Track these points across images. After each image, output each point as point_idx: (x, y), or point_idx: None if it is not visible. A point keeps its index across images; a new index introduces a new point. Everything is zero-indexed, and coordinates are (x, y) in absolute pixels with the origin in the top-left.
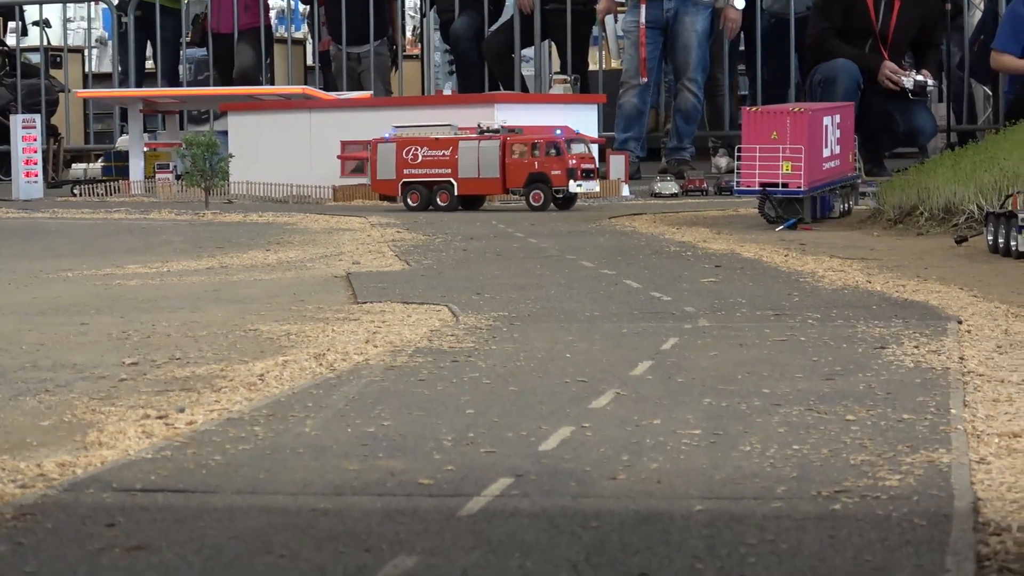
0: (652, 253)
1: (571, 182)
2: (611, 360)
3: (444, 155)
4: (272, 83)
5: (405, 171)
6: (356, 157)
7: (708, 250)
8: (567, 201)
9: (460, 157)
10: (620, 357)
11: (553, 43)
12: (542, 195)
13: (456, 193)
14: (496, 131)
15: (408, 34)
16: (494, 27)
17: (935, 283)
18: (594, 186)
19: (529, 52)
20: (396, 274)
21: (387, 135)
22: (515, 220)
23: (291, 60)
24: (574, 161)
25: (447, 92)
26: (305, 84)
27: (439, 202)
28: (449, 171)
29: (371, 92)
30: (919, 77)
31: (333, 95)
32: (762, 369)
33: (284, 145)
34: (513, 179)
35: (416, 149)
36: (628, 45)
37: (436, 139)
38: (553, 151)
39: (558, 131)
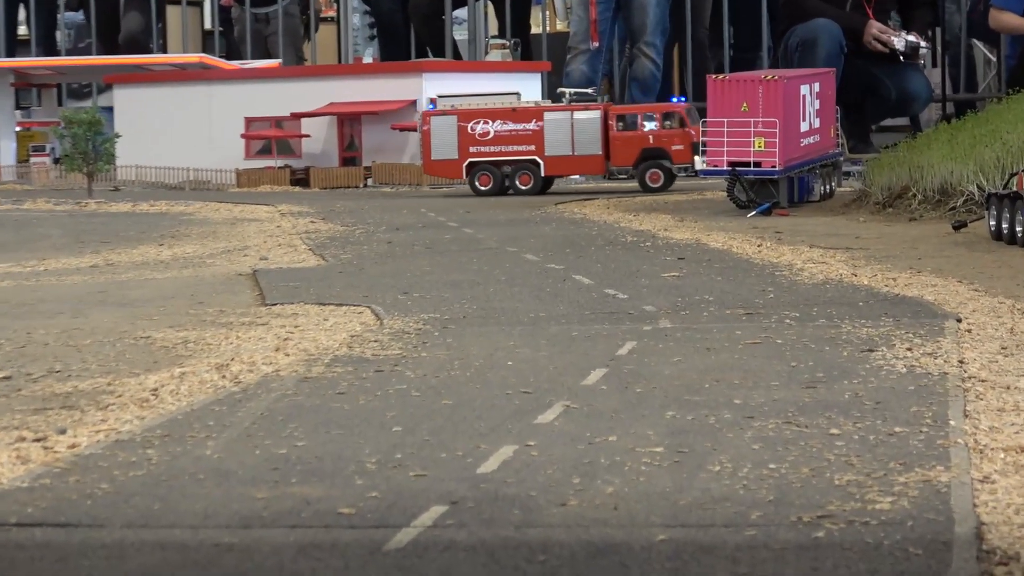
0: (605, 244)
1: (696, 158)
2: (559, 368)
3: (526, 129)
4: (164, 51)
5: (472, 149)
6: (263, 136)
7: (670, 240)
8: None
9: (547, 131)
10: (570, 364)
11: (490, 2)
12: (661, 174)
13: (543, 174)
14: (587, 96)
15: None
16: None
17: (930, 275)
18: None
19: (462, 13)
20: (310, 271)
21: (432, 107)
22: (447, 207)
23: (187, 23)
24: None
25: (368, 60)
26: (203, 52)
27: (519, 185)
28: (533, 148)
29: (280, 60)
30: (911, 37)
31: (236, 64)
32: (733, 376)
33: (179, 123)
34: (620, 156)
35: (487, 123)
36: (576, 5)
37: (515, 110)
38: (670, 121)
39: (678, 98)
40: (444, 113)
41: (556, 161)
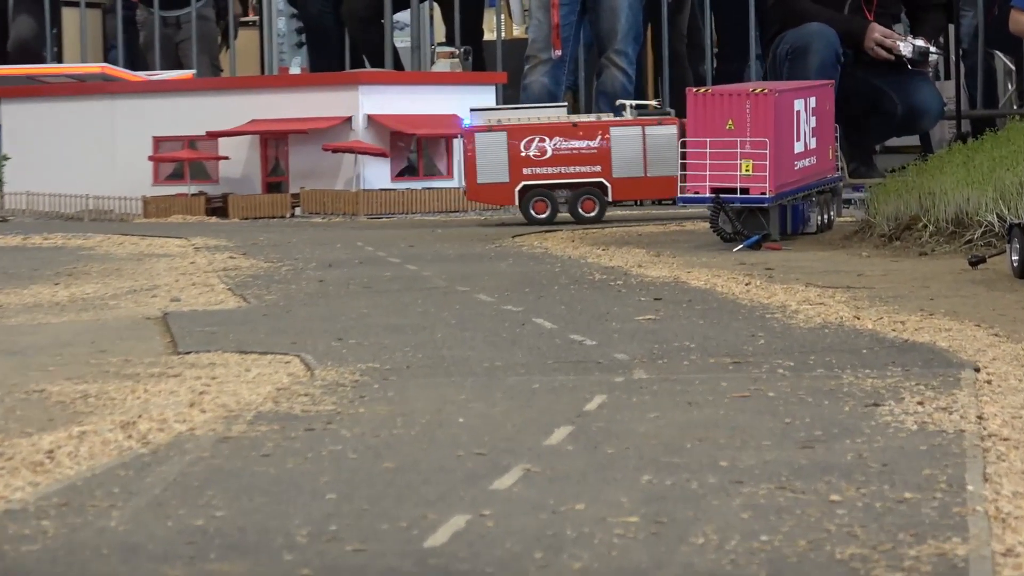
0: (570, 283)
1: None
2: (518, 425)
3: (590, 147)
4: (60, 60)
5: (526, 170)
6: (174, 158)
7: (644, 278)
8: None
9: (615, 149)
10: (530, 421)
11: (436, 5)
12: None
13: (610, 198)
14: (658, 111)
15: None
16: None
17: (944, 318)
18: None
19: (404, 17)
20: (229, 314)
21: (469, 122)
22: (387, 240)
23: (86, 28)
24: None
25: (295, 70)
26: (105, 61)
27: (582, 211)
28: (599, 168)
29: (193, 71)
30: (919, 42)
31: (143, 75)
32: (718, 435)
33: (77, 143)
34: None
35: (542, 140)
36: (535, 8)
37: (576, 124)
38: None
39: None
40: (492, 129)
41: (626, 184)
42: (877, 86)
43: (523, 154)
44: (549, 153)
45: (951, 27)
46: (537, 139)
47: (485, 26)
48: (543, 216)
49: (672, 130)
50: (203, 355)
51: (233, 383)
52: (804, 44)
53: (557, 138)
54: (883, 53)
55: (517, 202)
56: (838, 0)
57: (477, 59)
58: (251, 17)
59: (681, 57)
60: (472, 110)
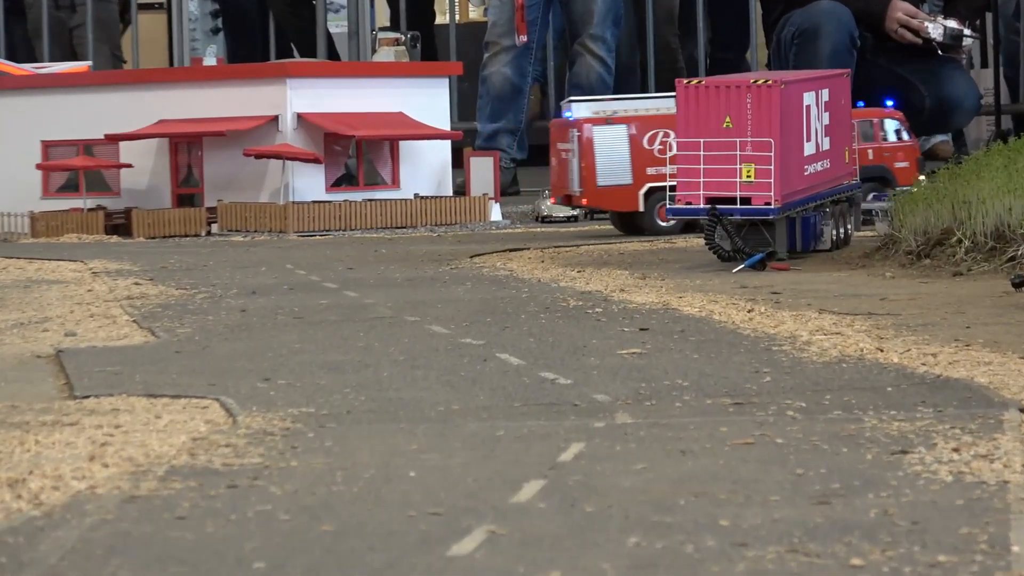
0: (540, 311)
1: (920, 177)
2: (480, 480)
3: None
4: None
5: (651, 171)
6: (67, 166)
7: (628, 304)
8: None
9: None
10: (495, 475)
11: None
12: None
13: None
14: None
15: None
16: None
17: (982, 350)
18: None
19: None
20: (136, 351)
21: (568, 114)
22: (322, 261)
23: None
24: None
25: (210, 61)
26: None
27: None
28: None
29: (90, 63)
30: (951, 23)
31: (29, 68)
32: (718, 489)
33: None
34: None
35: (667, 135)
36: None
37: None
38: (892, 134)
39: (892, 102)
40: (611, 122)
41: None
42: (901, 75)
43: (647, 151)
44: (676, 150)
45: (989, 7)
46: (662, 133)
47: (436, 7)
48: (669, 224)
49: None
50: (104, 400)
51: (141, 432)
52: (813, 26)
53: None
54: (908, 36)
55: (642, 207)
56: None
57: (427, 46)
58: None
59: (672, 50)
60: (571, 101)
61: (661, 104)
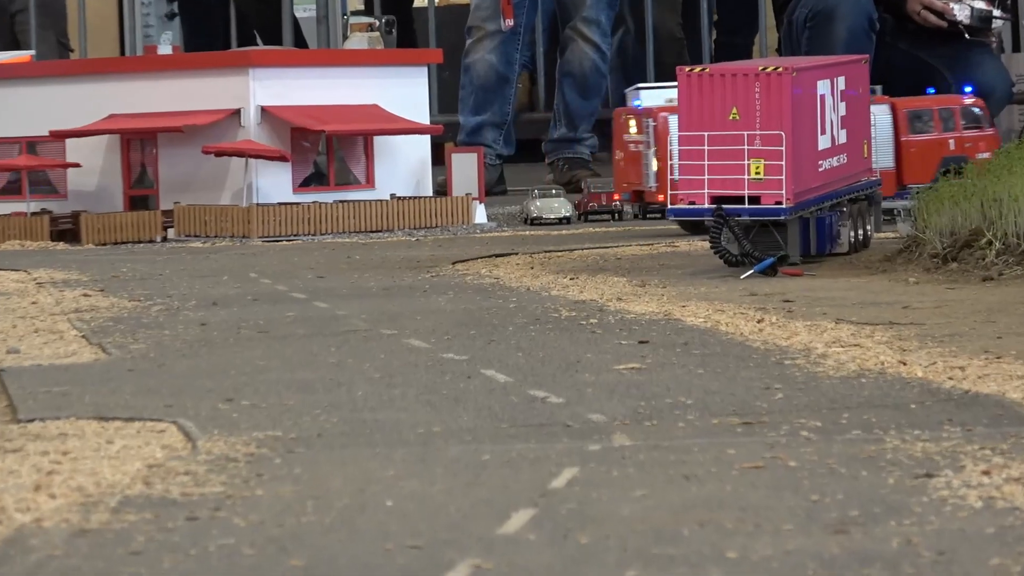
0: (529, 322)
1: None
2: (464, 509)
3: None
4: None
5: None
6: (8, 167)
7: (626, 314)
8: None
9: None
10: (480, 503)
11: None
12: None
13: None
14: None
15: None
16: None
17: (1015, 362)
18: None
19: None
20: (85, 369)
21: (638, 103)
22: (288, 269)
23: None
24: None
25: (165, 49)
26: None
27: None
28: None
29: (32, 52)
30: (979, 4)
31: None
32: (724, 517)
33: None
34: (915, 168)
35: None
36: None
37: None
38: (971, 121)
39: (970, 87)
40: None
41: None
42: (925, 61)
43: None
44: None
45: None
46: None
47: None
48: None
49: (885, 111)
50: (51, 423)
51: (91, 459)
52: (828, 7)
53: None
54: (933, 19)
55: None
56: None
57: (404, 32)
58: None
59: (676, 41)
60: (638, 88)
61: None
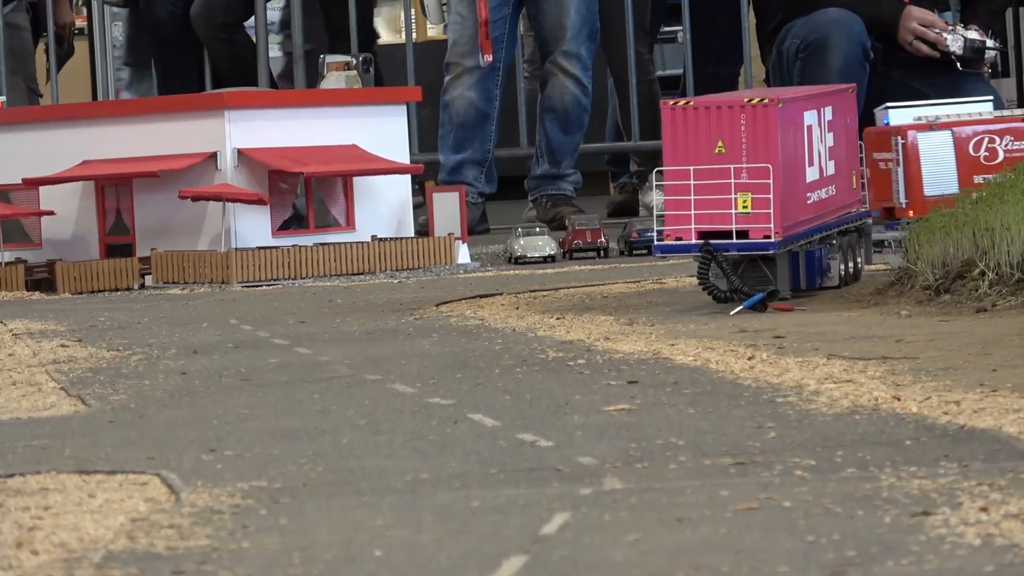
0: (516, 364)
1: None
2: (454, 557)
3: None
4: None
5: (977, 179)
6: None
7: (614, 354)
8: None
9: None
10: (470, 551)
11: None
12: None
13: None
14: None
15: None
16: None
17: (1011, 395)
18: None
19: (278, 16)
20: (64, 422)
21: (887, 121)
22: (269, 315)
23: None
24: None
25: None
26: None
27: None
28: None
29: (2, 97)
30: (972, 34)
31: None
32: (719, 560)
33: None
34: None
35: (992, 140)
36: (456, 1)
37: None
38: None
39: None
40: (935, 128)
41: None
42: (917, 89)
43: (973, 158)
44: (1001, 157)
45: (1011, 11)
46: (987, 138)
47: (387, 26)
48: None
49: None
50: (30, 478)
51: (73, 514)
52: (821, 37)
53: (1008, 138)
54: (925, 49)
55: None
56: None
57: (380, 70)
58: (80, 23)
59: (643, 60)
60: (888, 107)
61: (983, 108)
